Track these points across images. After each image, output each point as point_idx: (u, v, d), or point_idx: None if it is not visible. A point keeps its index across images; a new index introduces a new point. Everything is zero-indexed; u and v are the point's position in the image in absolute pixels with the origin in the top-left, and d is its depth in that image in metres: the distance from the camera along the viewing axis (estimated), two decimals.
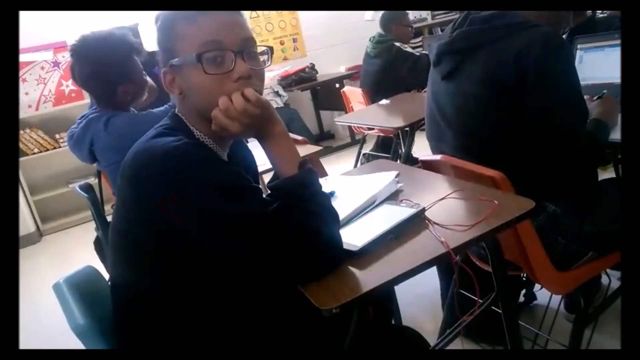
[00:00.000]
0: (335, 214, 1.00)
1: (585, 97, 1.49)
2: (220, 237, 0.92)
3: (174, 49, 0.97)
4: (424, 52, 3.77)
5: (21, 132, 4.32)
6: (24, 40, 4.02)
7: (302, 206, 0.94)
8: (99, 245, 2.26)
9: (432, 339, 1.74)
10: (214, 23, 0.95)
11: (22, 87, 4.26)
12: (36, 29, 4.14)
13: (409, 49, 3.78)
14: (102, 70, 1.74)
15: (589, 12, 3.00)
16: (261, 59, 1.03)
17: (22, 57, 4.17)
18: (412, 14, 5.90)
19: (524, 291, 1.99)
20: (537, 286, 1.95)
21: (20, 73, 4.22)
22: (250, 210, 0.91)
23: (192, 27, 0.95)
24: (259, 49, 1.02)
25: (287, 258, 0.93)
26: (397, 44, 3.78)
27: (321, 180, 1.50)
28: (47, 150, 4.41)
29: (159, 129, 1.00)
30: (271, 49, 1.05)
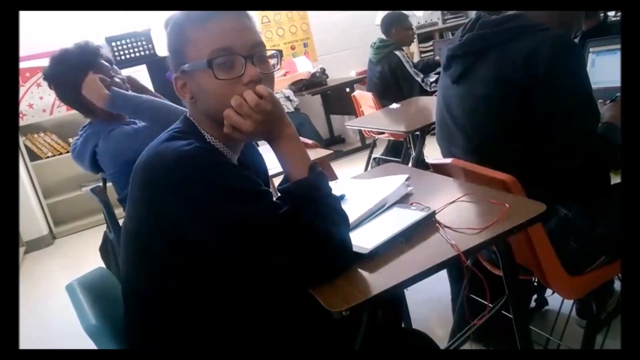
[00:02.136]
0: (345, 217, 1.01)
1: (598, 101, 1.49)
2: (230, 241, 0.92)
3: (185, 55, 0.98)
4: (419, 80, 3.74)
5: (35, 135, 4.39)
6: (39, 46, 4.08)
7: (313, 209, 0.95)
8: (104, 251, 2.29)
9: (442, 343, 1.73)
10: (224, 28, 0.96)
11: (37, 92, 4.32)
12: (51, 34, 4.19)
13: (408, 67, 3.75)
14: (64, 77, 1.83)
15: (601, 16, 2.99)
16: (271, 63, 1.03)
17: (37, 63, 4.23)
18: (422, 18, 5.91)
19: (535, 296, 1.97)
20: (548, 291, 1.94)
21: (35, 78, 4.29)
22: (260, 213, 0.92)
23: (202, 33, 0.96)
24: (269, 53, 1.02)
25: (297, 260, 0.93)
26: (398, 52, 3.77)
27: (331, 184, 1.50)
28: (61, 154, 4.46)
29: (171, 132, 1.01)
30: (280, 52, 1.06)
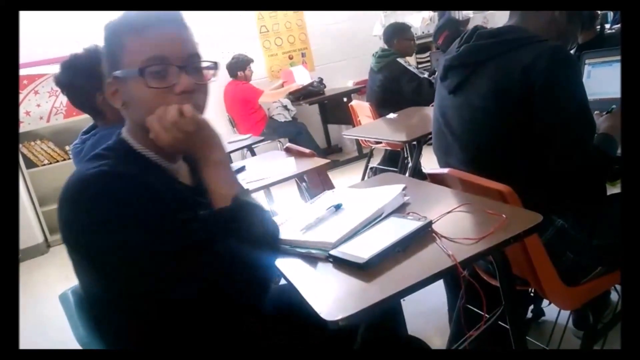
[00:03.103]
0: (268, 249, 0.98)
1: (595, 112, 1.49)
2: (129, 274, 0.88)
3: (118, 61, 0.96)
4: (426, 76, 3.76)
5: (32, 143, 4.38)
6: (37, 53, 4.09)
7: (226, 243, 0.92)
8: None
9: None
10: (160, 38, 0.95)
11: (35, 99, 4.32)
12: (49, 42, 4.20)
13: (412, 69, 3.78)
14: (74, 81, 1.85)
15: (597, 28, 3.02)
16: (207, 74, 1.02)
17: (35, 70, 4.24)
18: (420, 29, 5.95)
19: (531, 307, 1.97)
20: (545, 302, 1.93)
21: (33, 85, 4.29)
22: (152, 242, 0.87)
23: (138, 41, 0.95)
24: (205, 64, 1.01)
25: (202, 294, 0.89)
26: (400, 60, 3.80)
27: (328, 193, 1.50)
28: (57, 161, 4.45)
29: (98, 151, 1.01)
30: (217, 64, 1.04)
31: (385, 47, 3.96)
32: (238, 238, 0.93)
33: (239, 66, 4.85)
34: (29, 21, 4.10)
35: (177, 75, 0.95)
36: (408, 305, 1.47)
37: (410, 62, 4.19)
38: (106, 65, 1.00)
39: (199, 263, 0.89)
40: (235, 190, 0.98)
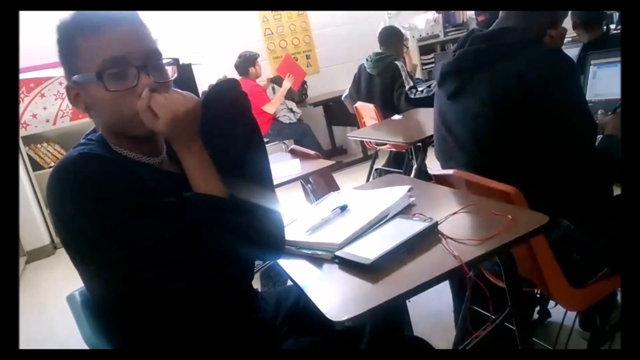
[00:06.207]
0: (250, 242, 0.94)
1: (600, 111, 1.49)
2: (108, 256, 0.89)
3: (75, 65, 0.94)
4: (407, 88, 3.74)
5: (38, 145, 4.40)
6: (43, 57, 4.10)
7: (216, 228, 0.90)
8: None
9: None
10: (116, 37, 0.91)
11: (41, 102, 4.34)
12: (55, 45, 4.22)
13: (404, 79, 3.76)
14: None
15: (603, 28, 3.01)
16: (168, 71, 1.00)
17: (41, 73, 4.26)
18: (424, 31, 5.94)
19: (537, 308, 1.96)
20: (551, 303, 1.93)
21: (39, 89, 4.31)
22: (142, 232, 0.86)
23: (92, 43, 0.91)
24: (165, 61, 0.98)
25: (192, 283, 0.90)
26: (398, 63, 3.80)
27: (334, 194, 1.51)
28: None
29: (81, 140, 1.00)
30: (177, 60, 1.01)
31: (379, 50, 3.96)
32: (227, 223, 0.91)
33: (248, 63, 4.82)
34: (34, 24, 4.13)
35: (137, 75, 0.92)
36: (413, 306, 1.47)
37: (413, 65, 4.20)
38: (64, 69, 0.97)
39: (187, 249, 0.87)
40: (218, 183, 0.96)
